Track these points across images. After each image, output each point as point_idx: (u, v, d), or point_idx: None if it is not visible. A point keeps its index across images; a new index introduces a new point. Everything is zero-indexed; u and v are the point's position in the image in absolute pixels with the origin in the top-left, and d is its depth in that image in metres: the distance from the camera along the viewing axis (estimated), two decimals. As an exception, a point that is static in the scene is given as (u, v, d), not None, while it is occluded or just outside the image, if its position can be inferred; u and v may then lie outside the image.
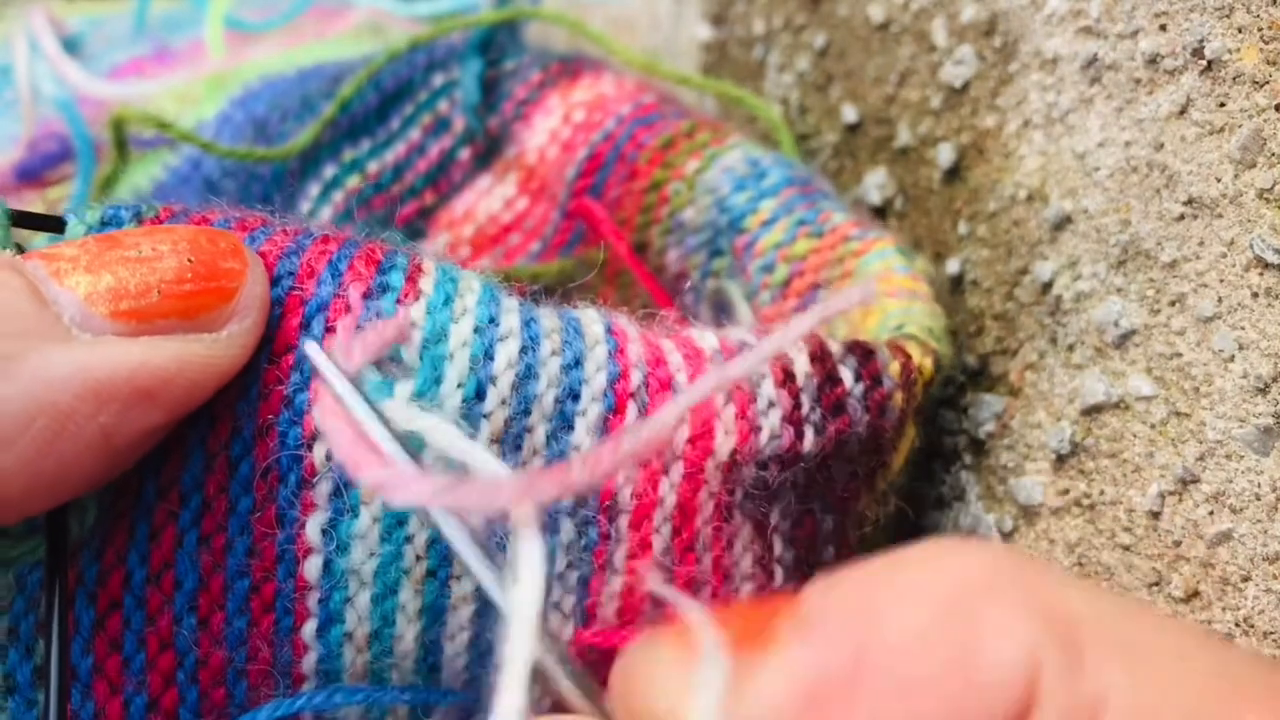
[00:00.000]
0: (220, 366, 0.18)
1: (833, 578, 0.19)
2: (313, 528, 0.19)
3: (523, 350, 0.20)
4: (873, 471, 0.24)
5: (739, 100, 0.34)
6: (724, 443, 0.21)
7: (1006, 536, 0.28)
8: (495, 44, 0.33)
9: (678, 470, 0.21)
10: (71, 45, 0.38)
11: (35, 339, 0.17)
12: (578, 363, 0.21)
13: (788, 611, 0.16)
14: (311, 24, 0.38)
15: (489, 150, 0.32)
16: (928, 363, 0.24)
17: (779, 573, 0.22)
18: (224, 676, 0.19)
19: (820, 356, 0.22)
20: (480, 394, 0.20)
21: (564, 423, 0.20)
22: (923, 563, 0.16)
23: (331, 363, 0.18)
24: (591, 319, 0.22)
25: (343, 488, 0.19)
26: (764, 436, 0.21)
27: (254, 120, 0.31)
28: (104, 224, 0.20)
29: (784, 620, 0.16)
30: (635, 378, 0.21)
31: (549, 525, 0.20)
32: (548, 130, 0.31)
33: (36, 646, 0.19)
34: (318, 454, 0.19)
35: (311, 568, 0.19)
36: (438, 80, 0.32)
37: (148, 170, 0.31)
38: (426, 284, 0.20)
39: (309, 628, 0.19)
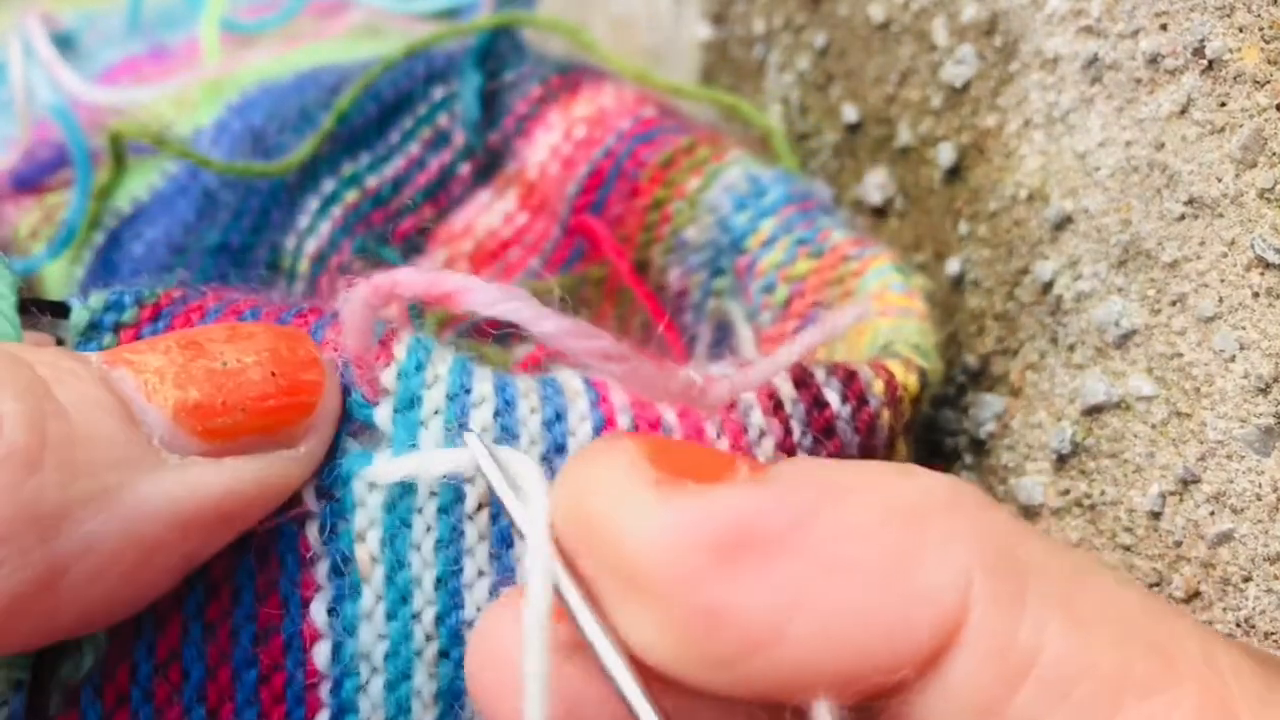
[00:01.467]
0: (294, 484, 0.18)
1: (809, 459, 0.19)
2: (318, 611, 0.19)
3: (497, 414, 0.20)
4: None
5: (734, 108, 0.34)
6: None
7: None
8: (494, 54, 0.32)
9: None
10: (65, 42, 0.38)
11: (130, 470, 0.16)
12: (559, 417, 0.20)
13: (755, 464, 0.17)
14: (308, 24, 0.38)
15: (489, 165, 0.32)
16: (912, 379, 0.24)
17: None
18: None
19: (804, 381, 0.22)
20: None
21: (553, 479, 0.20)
22: (894, 472, 0.17)
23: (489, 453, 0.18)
24: (568, 376, 0.21)
25: (341, 564, 0.19)
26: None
27: (252, 130, 0.31)
28: (107, 309, 0.19)
29: (748, 468, 0.16)
30: (623, 422, 0.20)
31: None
32: (548, 146, 0.31)
33: None
34: (310, 533, 0.19)
35: (320, 654, 0.19)
36: (437, 93, 0.32)
37: (146, 178, 0.31)
38: (399, 349, 0.20)
39: (321, 718, 0.19)
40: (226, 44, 0.36)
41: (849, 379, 0.23)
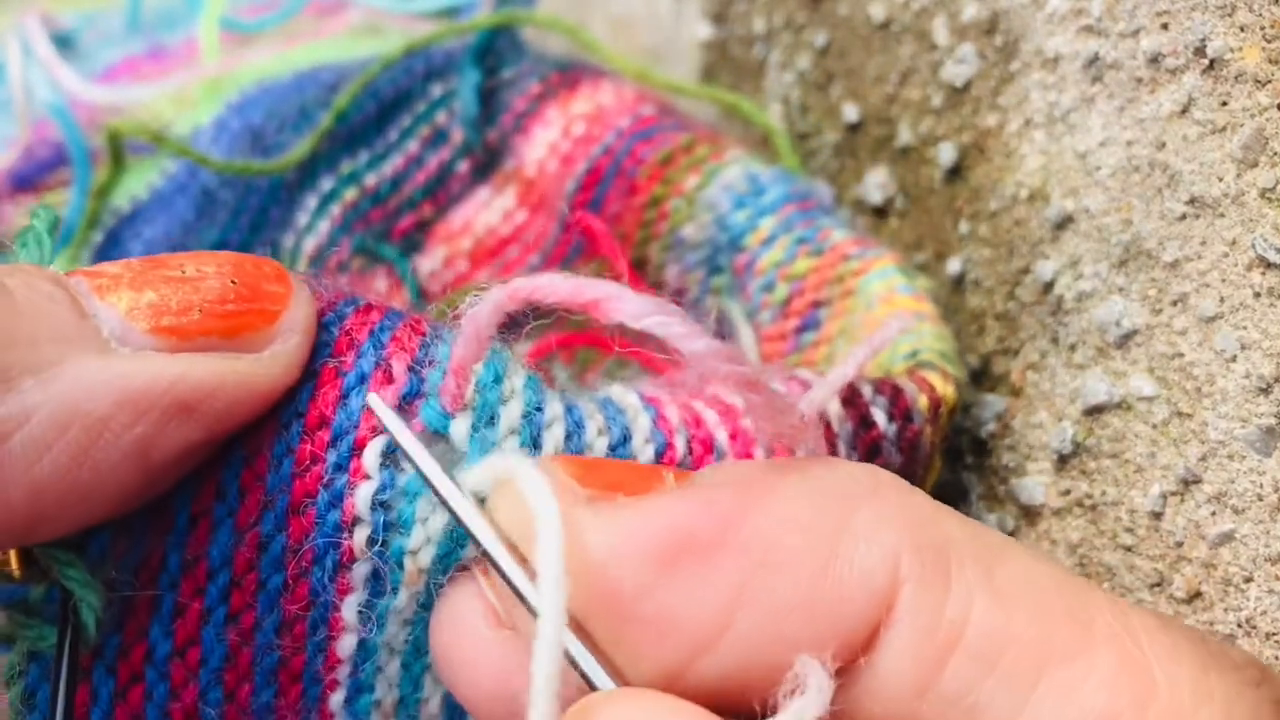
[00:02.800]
0: (261, 385, 0.18)
1: (730, 462, 0.19)
2: (349, 609, 0.19)
3: (569, 435, 0.19)
4: None
5: (735, 107, 0.34)
6: None
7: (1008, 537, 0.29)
8: (493, 52, 0.32)
9: None
10: (65, 42, 0.38)
11: (74, 347, 0.16)
12: (625, 439, 0.20)
13: (680, 474, 0.17)
14: (308, 22, 0.38)
15: (487, 163, 0.32)
16: (950, 391, 0.24)
17: None
18: None
19: (852, 399, 0.22)
20: None
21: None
22: (813, 465, 0.18)
23: (398, 418, 0.18)
24: (620, 393, 0.21)
25: (384, 572, 0.18)
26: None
27: (251, 129, 0.31)
28: None
29: (673, 479, 0.17)
30: (680, 445, 0.20)
31: None
32: (547, 143, 0.31)
33: (54, 717, 0.18)
34: (358, 539, 0.18)
35: (345, 646, 0.19)
36: (436, 91, 0.32)
37: (145, 177, 0.31)
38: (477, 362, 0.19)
39: (337, 698, 0.19)
40: (226, 43, 0.36)
41: (895, 396, 0.23)
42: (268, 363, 0.18)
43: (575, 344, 0.26)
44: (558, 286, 0.17)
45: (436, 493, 0.17)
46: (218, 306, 0.18)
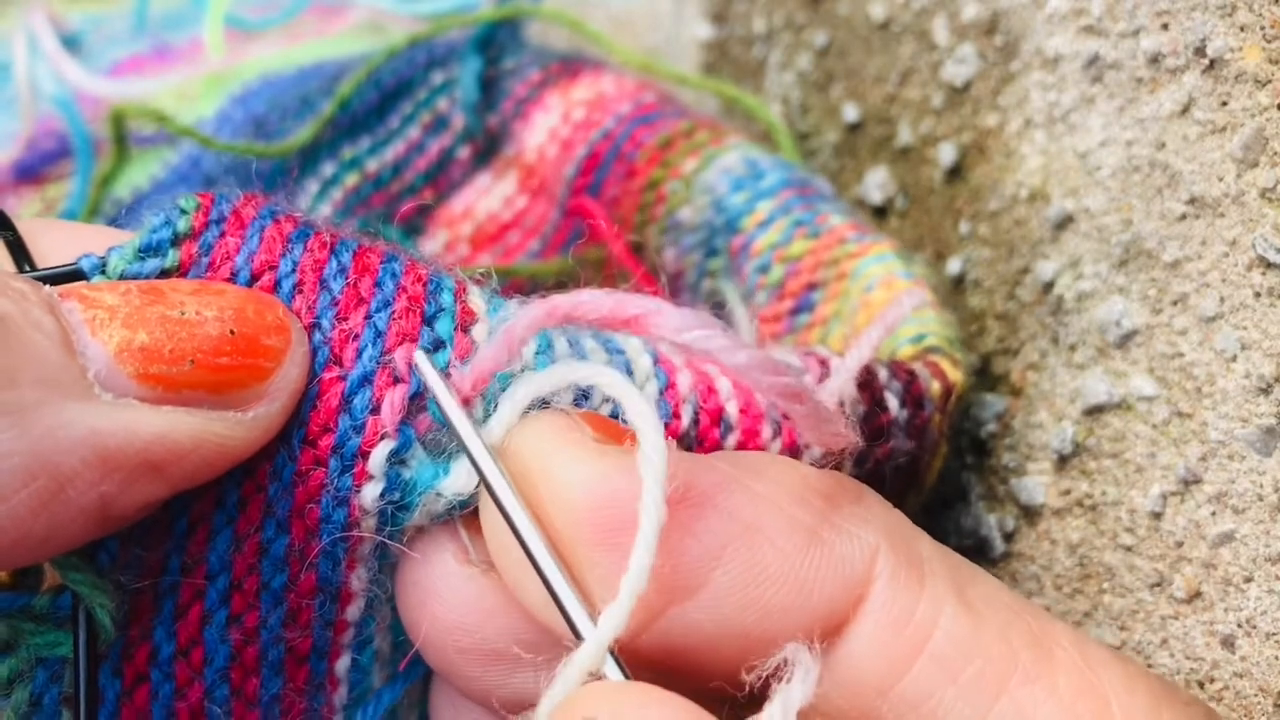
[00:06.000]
0: (237, 449, 0.17)
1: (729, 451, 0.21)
2: (356, 581, 0.19)
3: (576, 402, 0.19)
4: (904, 492, 0.24)
5: (737, 100, 0.34)
6: None
7: (1008, 537, 0.28)
8: (495, 42, 0.33)
9: None
10: (71, 43, 0.38)
11: (55, 391, 0.16)
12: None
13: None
14: (311, 22, 0.38)
15: (488, 148, 0.32)
16: (960, 378, 0.24)
17: None
18: None
19: (867, 382, 0.22)
20: None
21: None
22: (806, 465, 0.19)
23: (444, 384, 0.17)
24: (637, 349, 0.21)
25: (389, 545, 0.18)
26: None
27: (253, 118, 0.31)
28: (153, 230, 0.18)
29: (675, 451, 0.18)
30: (686, 417, 0.20)
31: None
32: (547, 129, 0.31)
33: (61, 718, 0.18)
34: (366, 527, 0.18)
35: (353, 611, 0.19)
36: (437, 78, 0.32)
37: (147, 168, 0.31)
38: (480, 332, 0.19)
39: (343, 663, 0.19)
40: (230, 41, 0.36)
41: (909, 382, 0.23)
42: (248, 425, 0.17)
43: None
44: (599, 304, 0.17)
45: (476, 465, 0.17)
46: (211, 359, 0.17)
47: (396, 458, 0.18)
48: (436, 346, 0.18)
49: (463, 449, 0.18)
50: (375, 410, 0.18)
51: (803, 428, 0.18)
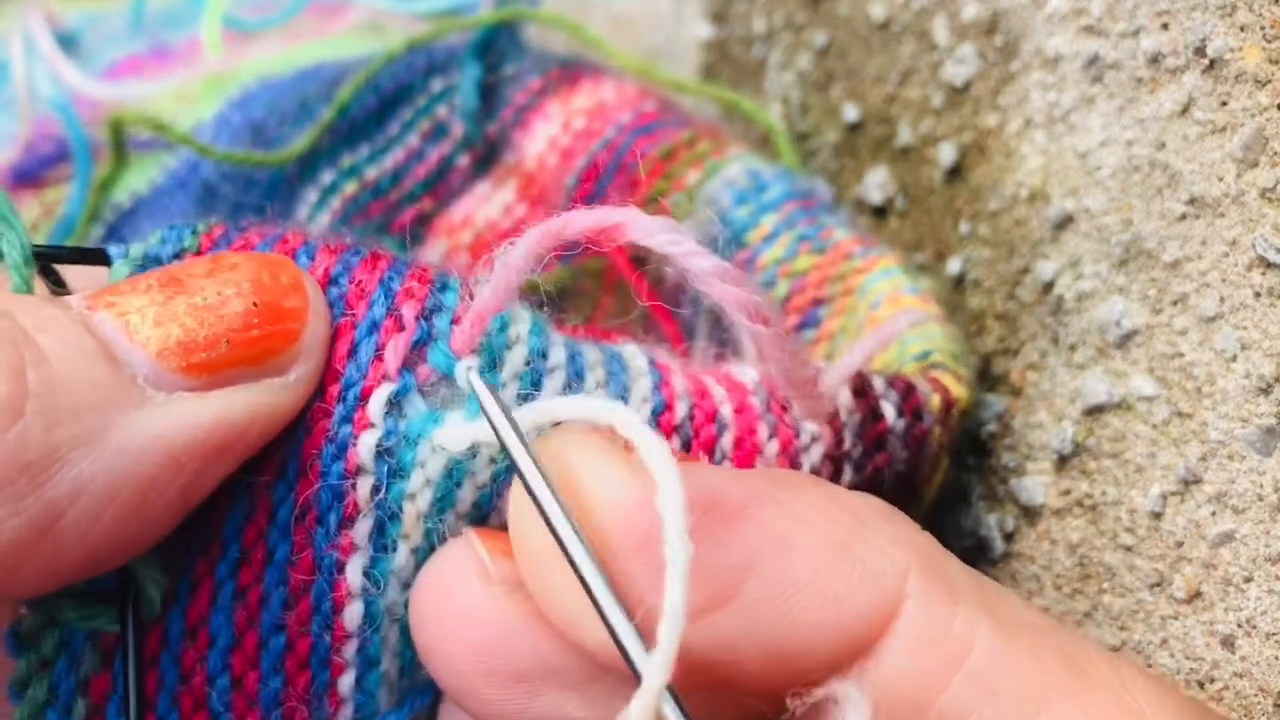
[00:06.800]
0: (287, 412, 0.18)
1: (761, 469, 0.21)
2: (354, 571, 0.19)
3: (567, 385, 0.20)
4: (904, 503, 0.24)
5: (736, 105, 0.34)
6: None
7: (1008, 537, 0.28)
8: (494, 48, 0.32)
9: None
10: (68, 42, 0.38)
11: (114, 409, 0.16)
12: (623, 397, 0.20)
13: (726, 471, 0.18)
14: (310, 23, 0.38)
15: (488, 156, 0.32)
16: (964, 393, 0.24)
17: None
18: None
19: (863, 390, 0.22)
20: None
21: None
22: (835, 486, 0.19)
23: (493, 396, 0.18)
24: (633, 353, 0.21)
25: (384, 523, 0.19)
26: (804, 471, 0.21)
27: (251, 124, 0.31)
28: (163, 242, 0.19)
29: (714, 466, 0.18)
30: (680, 410, 0.20)
31: None
32: (547, 137, 0.31)
33: (75, 706, 0.18)
34: (361, 490, 0.18)
35: (351, 616, 0.19)
36: (437, 85, 0.32)
37: (145, 173, 0.31)
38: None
39: (346, 680, 0.19)
40: (228, 41, 0.36)
41: (907, 393, 0.23)
42: (293, 388, 0.18)
43: (607, 338, 0.26)
44: (585, 218, 0.17)
45: (523, 478, 0.17)
46: (243, 335, 0.18)
47: (395, 402, 0.18)
48: (438, 309, 0.19)
49: (516, 471, 0.17)
50: (379, 355, 0.19)
51: (771, 351, 0.18)
